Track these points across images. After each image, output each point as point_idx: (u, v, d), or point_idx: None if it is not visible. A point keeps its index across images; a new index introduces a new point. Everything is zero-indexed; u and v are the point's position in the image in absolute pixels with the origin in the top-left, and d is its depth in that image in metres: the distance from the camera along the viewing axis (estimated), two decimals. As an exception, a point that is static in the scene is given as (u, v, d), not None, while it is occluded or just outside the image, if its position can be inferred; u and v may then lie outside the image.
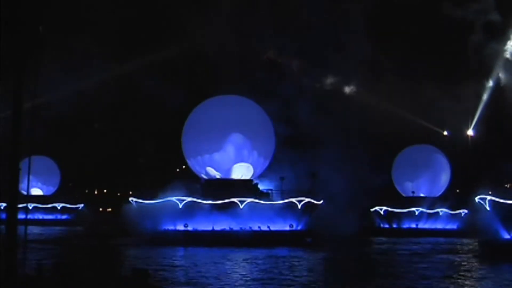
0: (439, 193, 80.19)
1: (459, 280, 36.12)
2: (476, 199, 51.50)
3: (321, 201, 59.22)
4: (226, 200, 56.48)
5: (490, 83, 76.92)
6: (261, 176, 62.54)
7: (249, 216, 56.39)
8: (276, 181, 60.87)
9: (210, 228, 55.69)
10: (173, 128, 76.23)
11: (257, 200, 57.10)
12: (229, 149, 60.50)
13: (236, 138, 60.14)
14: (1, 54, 20.00)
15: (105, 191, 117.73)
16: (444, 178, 79.27)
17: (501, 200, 47.87)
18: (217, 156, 61.33)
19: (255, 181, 61.91)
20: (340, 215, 60.46)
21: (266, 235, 55.95)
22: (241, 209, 56.79)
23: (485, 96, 77.68)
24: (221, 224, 56.00)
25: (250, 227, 56.06)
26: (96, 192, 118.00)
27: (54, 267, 21.04)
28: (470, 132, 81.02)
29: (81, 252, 47.00)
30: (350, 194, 64.19)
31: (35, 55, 20.44)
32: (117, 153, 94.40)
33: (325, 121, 68.44)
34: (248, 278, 35.88)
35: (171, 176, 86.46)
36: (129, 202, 59.10)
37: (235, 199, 56.93)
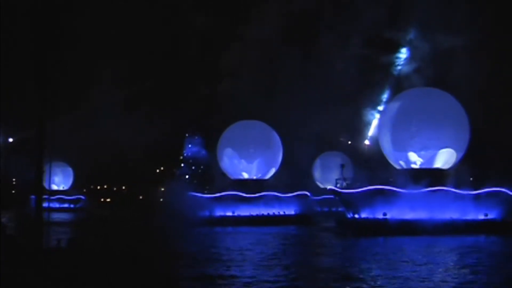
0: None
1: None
2: (328, 188, 64.64)
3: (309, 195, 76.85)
4: (261, 194, 74.13)
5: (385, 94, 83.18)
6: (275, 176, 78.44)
7: (273, 205, 73.90)
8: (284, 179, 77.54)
9: (248, 214, 71.79)
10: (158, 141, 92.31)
11: (276, 193, 74.17)
12: (225, 160, 78.30)
13: (229, 152, 77.46)
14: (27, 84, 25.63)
15: (105, 186, 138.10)
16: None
17: (340, 190, 58.72)
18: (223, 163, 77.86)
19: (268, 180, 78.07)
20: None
21: (282, 217, 73.12)
22: (265, 200, 73.80)
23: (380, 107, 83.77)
24: (253, 211, 72.92)
25: (274, 213, 73.83)
26: (98, 187, 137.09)
27: (69, 241, 26.88)
28: (366, 141, 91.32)
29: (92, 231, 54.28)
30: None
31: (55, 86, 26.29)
32: (114, 157, 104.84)
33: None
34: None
35: (157, 175, 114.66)
36: (188, 195, 73.04)
37: (265, 193, 74.24)
